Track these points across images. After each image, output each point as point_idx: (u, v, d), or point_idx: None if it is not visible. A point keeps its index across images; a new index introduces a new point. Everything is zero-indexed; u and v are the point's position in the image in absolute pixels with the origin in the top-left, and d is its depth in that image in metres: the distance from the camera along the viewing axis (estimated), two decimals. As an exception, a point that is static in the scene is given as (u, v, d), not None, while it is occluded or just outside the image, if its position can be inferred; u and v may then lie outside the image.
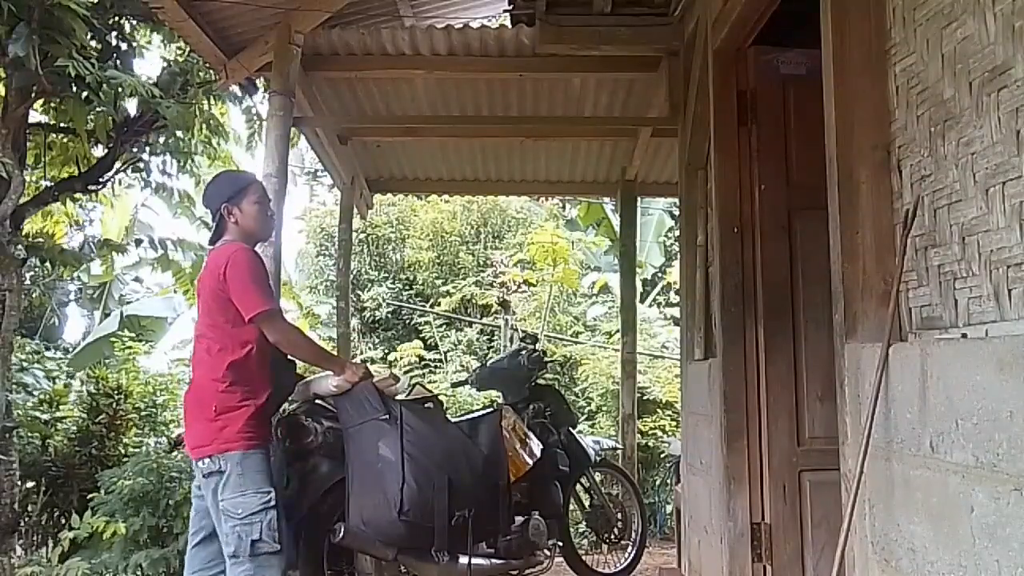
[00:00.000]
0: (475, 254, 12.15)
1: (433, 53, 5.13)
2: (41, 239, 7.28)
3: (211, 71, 5.71)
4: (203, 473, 2.96)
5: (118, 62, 6.53)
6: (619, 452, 6.24)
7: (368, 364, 3.57)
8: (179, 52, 7.09)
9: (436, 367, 10.20)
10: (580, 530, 5.59)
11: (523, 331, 8.02)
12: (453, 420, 3.89)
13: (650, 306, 11.63)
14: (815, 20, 2.36)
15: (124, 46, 6.82)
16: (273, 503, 2.95)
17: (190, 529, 3.21)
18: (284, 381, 3.25)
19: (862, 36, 2.19)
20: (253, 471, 2.95)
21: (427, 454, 3.23)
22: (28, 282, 9.29)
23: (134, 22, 6.83)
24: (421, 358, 10.21)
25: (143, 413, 7.55)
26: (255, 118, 7.61)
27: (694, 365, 4.17)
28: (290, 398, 3.38)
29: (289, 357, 3.22)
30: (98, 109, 6.40)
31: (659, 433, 7.36)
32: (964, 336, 1.78)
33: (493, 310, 11.18)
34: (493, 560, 3.89)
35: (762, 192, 3.52)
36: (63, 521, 6.33)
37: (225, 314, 3.00)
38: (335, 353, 4.84)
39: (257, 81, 5.42)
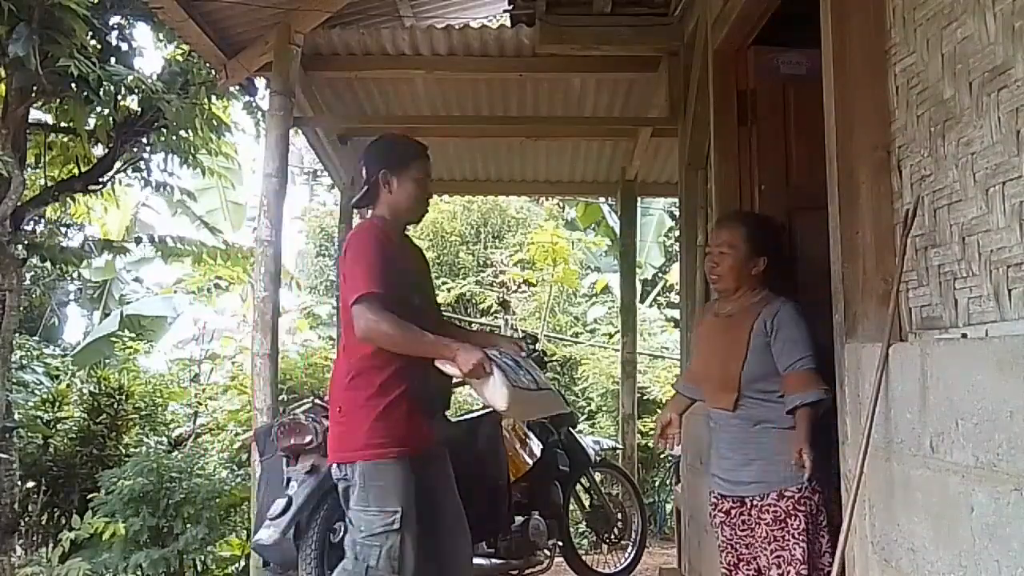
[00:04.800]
0: (475, 254, 12.14)
1: (433, 53, 5.13)
2: (41, 238, 7.27)
3: (212, 70, 5.71)
4: (335, 479, 2.66)
5: (120, 66, 6.54)
6: (619, 452, 6.25)
7: (496, 335, 3.02)
8: (180, 52, 7.10)
9: (436, 367, 10.17)
10: (580, 530, 5.60)
11: (523, 331, 8.02)
12: (453, 420, 3.89)
13: (650, 306, 11.62)
14: (815, 20, 2.36)
15: (124, 46, 6.83)
16: (397, 526, 2.53)
17: None
18: (430, 375, 2.68)
19: (862, 36, 2.18)
20: (378, 485, 2.56)
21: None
22: (28, 282, 9.30)
23: (133, 21, 6.84)
24: (421, 358, 10.18)
25: (143, 413, 7.55)
26: (256, 111, 7.62)
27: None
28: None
29: None
30: (98, 109, 6.42)
31: (659, 433, 7.35)
32: (964, 336, 1.77)
33: (493, 310, 11.18)
34: (493, 560, 3.90)
35: (762, 192, 3.52)
36: (63, 521, 6.34)
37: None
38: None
39: (257, 80, 5.41)
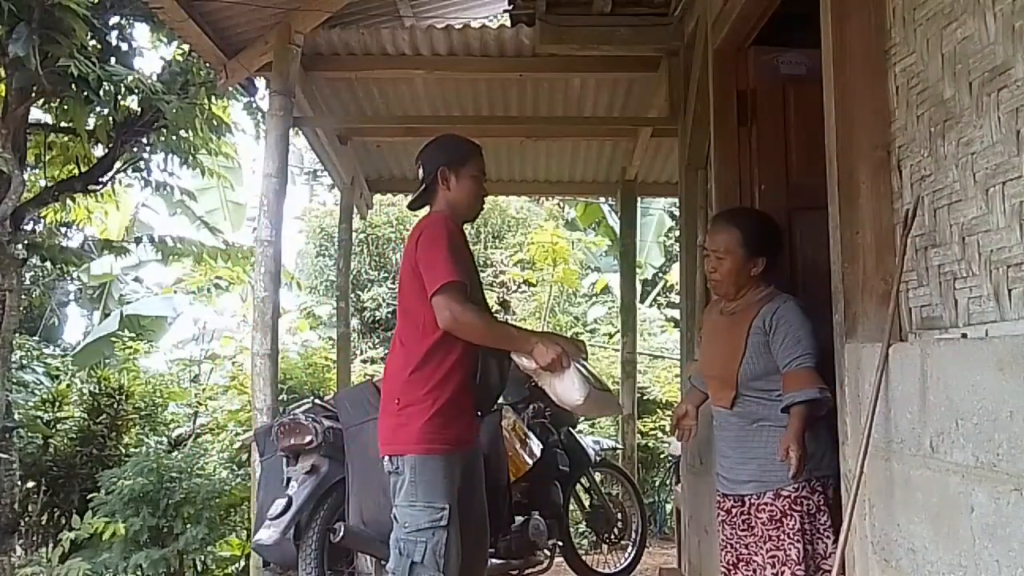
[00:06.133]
0: (475, 254, 12.12)
1: (433, 53, 5.13)
2: (40, 238, 7.27)
3: (211, 70, 5.72)
4: (386, 472, 2.65)
5: (120, 66, 6.54)
6: (619, 452, 6.25)
7: (567, 337, 3.04)
8: (180, 52, 7.11)
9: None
10: (580, 530, 5.60)
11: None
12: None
13: (650, 306, 11.63)
14: (815, 20, 2.36)
15: (124, 46, 6.84)
16: (445, 522, 2.52)
17: None
18: (489, 372, 2.71)
19: (862, 36, 2.18)
20: (427, 480, 2.54)
21: (427, 454, 3.21)
22: (28, 282, 9.30)
23: (133, 21, 6.85)
24: (421, 358, 10.18)
25: (143, 413, 7.55)
26: (256, 111, 7.63)
27: (694, 365, 4.17)
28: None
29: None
30: (98, 109, 6.42)
31: (659, 433, 7.37)
32: (964, 336, 1.77)
33: (493, 310, 11.18)
34: (493, 560, 3.89)
35: (762, 192, 3.52)
36: (63, 521, 6.35)
37: (420, 292, 2.60)
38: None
39: (257, 80, 5.42)
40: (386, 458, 2.63)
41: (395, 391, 2.65)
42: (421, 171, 2.83)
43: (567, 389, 2.61)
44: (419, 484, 2.54)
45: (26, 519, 6.55)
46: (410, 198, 2.96)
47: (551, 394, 2.71)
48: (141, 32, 7.37)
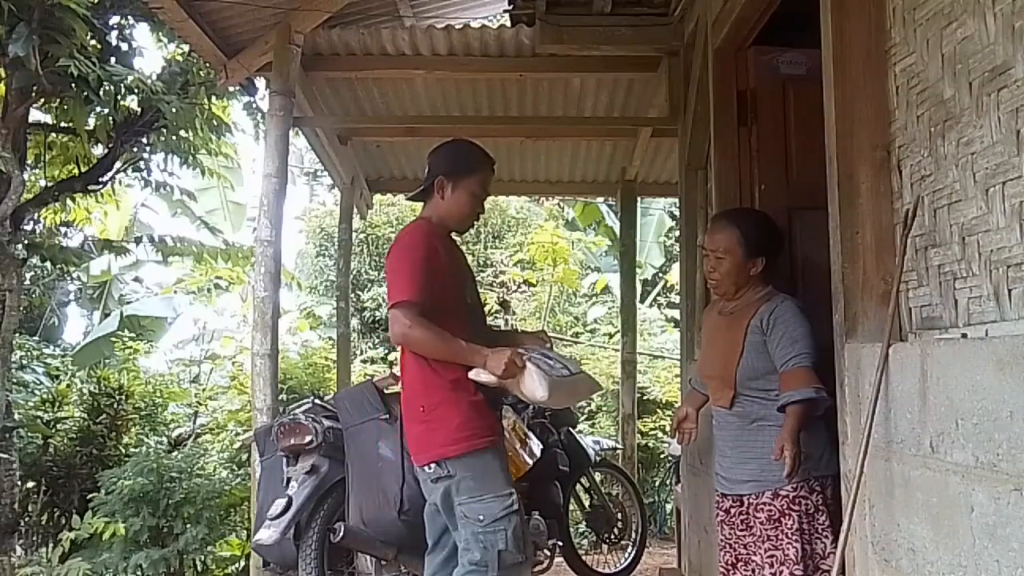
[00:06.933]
0: (475, 254, 12.13)
1: (433, 53, 5.13)
2: (40, 238, 7.27)
3: (211, 70, 5.72)
4: (430, 479, 2.64)
5: (120, 66, 6.54)
6: (619, 452, 6.25)
7: (533, 336, 3.01)
8: (180, 52, 7.11)
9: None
10: (580, 530, 5.60)
11: (523, 331, 8.01)
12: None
13: (650, 306, 11.63)
14: (815, 20, 2.36)
15: (124, 46, 6.84)
16: (515, 507, 2.60)
17: (427, 532, 2.84)
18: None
19: (862, 36, 2.18)
20: (486, 473, 2.60)
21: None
22: (28, 282, 9.30)
23: (133, 21, 6.84)
24: (421, 358, 10.17)
25: (143, 413, 7.55)
26: (256, 111, 7.63)
27: (694, 365, 4.17)
28: None
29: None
30: (98, 109, 6.42)
31: (659, 433, 7.37)
32: (964, 336, 1.77)
33: (493, 310, 11.18)
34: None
35: (762, 192, 3.52)
36: (63, 521, 6.35)
37: None
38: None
39: (257, 80, 5.42)
40: (430, 466, 2.61)
41: (416, 398, 2.66)
42: (427, 170, 2.82)
43: (529, 387, 2.61)
44: (479, 479, 2.57)
45: (26, 519, 6.56)
46: (413, 193, 2.95)
47: (522, 397, 2.70)
48: (141, 32, 7.37)
